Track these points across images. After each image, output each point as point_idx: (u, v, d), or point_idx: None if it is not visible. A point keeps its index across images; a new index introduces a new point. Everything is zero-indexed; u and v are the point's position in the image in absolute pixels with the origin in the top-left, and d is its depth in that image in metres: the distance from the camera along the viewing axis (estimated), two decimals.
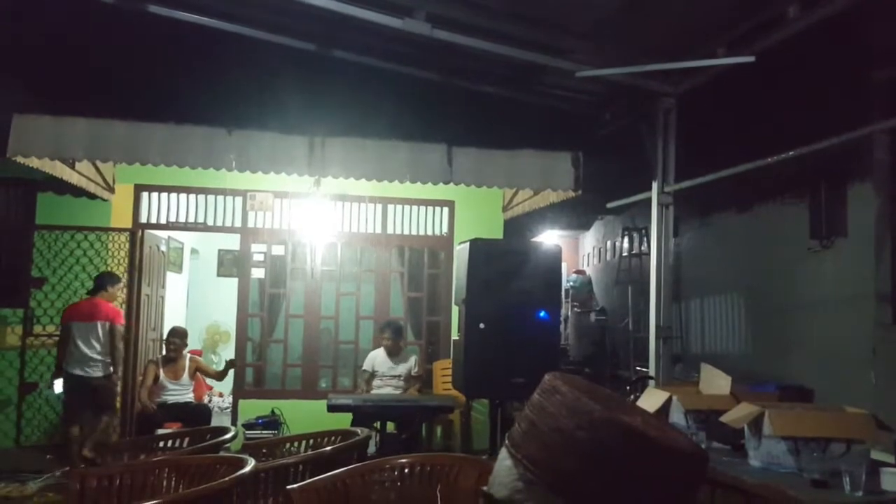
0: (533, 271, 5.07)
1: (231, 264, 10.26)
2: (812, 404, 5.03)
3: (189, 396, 6.94)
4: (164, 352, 7.03)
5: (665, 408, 3.97)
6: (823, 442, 3.24)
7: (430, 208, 8.12)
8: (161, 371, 6.82)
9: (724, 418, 3.57)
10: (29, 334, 7.15)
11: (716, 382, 4.09)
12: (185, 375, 6.88)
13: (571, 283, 13.57)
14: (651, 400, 4.08)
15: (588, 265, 14.85)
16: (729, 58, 5.47)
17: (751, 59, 5.32)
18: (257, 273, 7.94)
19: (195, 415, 6.72)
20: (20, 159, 5.63)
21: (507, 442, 1.81)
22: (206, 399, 7.15)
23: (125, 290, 7.30)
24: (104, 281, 6.62)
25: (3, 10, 5.94)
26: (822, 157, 5.55)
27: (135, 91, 6.33)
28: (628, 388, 4.74)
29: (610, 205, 8.07)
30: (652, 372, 6.06)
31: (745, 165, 5.68)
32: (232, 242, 9.44)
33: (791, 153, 5.33)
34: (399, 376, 6.94)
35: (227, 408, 8.65)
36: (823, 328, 6.46)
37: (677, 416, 3.95)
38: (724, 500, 3.16)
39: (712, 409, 3.83)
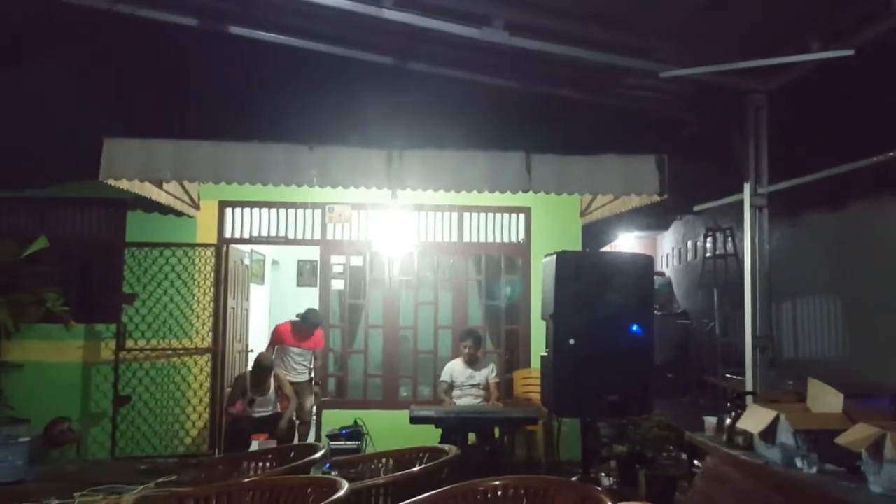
0: (623, 283, 4.88)
1: (310, 274, 10.41)
2: None
3: (276, 409, 7.04)
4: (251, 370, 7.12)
5: (772, 427, 3.77)
6: None
7: (506, 215, 8.04)
8: (249, 388, 6.93)
9: (840, 440, 3.34)
10: (122, 349, 7.40)
11: (826, 399, 3.84)
12: (271, 392, 6.98)
13: None
14: (756, 419, 3.88)
15: (667, 266, 14.44)
16: (825, 52, 5.16)
17: (850, 52, 5.01)
18: (337, 284, 8.01)
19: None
20: (111, 181, 5.81)
21: None
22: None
23: (213, 304, 7.53)
24: None
25: (89, 38, 6.13)
26: None
27: (218, 111, 6.45)
28: (728, 405, 4.50)
29: (697, 207, 7.76)
30: (748, 384, 5.78)
31: (849, 165, 5.35)
32: (310, 252, 9.57)
33: None
34: (478, 385, 6.90)
35: None
36: None
37: (785, 436, 3.73)
38: None
39: (824, 429, 3.60)
